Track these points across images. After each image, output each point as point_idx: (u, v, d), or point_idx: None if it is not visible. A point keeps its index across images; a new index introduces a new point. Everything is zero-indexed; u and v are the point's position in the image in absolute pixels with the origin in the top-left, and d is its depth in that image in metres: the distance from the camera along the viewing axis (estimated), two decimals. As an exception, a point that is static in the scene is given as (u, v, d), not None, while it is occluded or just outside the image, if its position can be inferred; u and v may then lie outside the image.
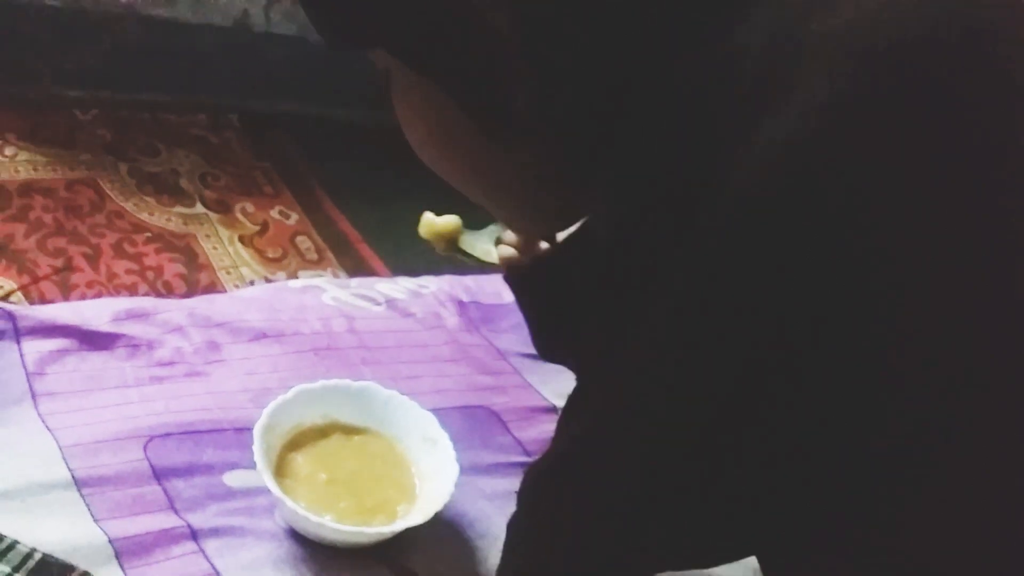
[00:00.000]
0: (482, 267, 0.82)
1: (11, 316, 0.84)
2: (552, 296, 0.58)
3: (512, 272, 0.62)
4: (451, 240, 0.81)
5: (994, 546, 0.43)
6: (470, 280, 1.14)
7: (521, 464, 0.96)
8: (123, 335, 0.87)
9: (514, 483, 0.96)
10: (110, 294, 1.67)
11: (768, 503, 0.44)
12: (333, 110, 2.04)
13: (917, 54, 0.37)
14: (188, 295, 1.76)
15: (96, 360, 0.84)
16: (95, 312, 0.88)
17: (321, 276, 1.74)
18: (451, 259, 0.84)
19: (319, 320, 0.98)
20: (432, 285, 1.10)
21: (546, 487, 0.55)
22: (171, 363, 0.87)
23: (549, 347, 0.68)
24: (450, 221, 0.82)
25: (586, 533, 0.50)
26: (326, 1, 0.50)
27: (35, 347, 0.83)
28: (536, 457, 0.64)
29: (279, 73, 1.96)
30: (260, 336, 0.93)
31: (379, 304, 1.04)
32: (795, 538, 0.47)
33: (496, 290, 1.14)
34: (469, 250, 0.81)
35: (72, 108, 1.90)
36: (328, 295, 1.02)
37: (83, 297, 1.64)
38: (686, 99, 0.42)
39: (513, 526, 0.57)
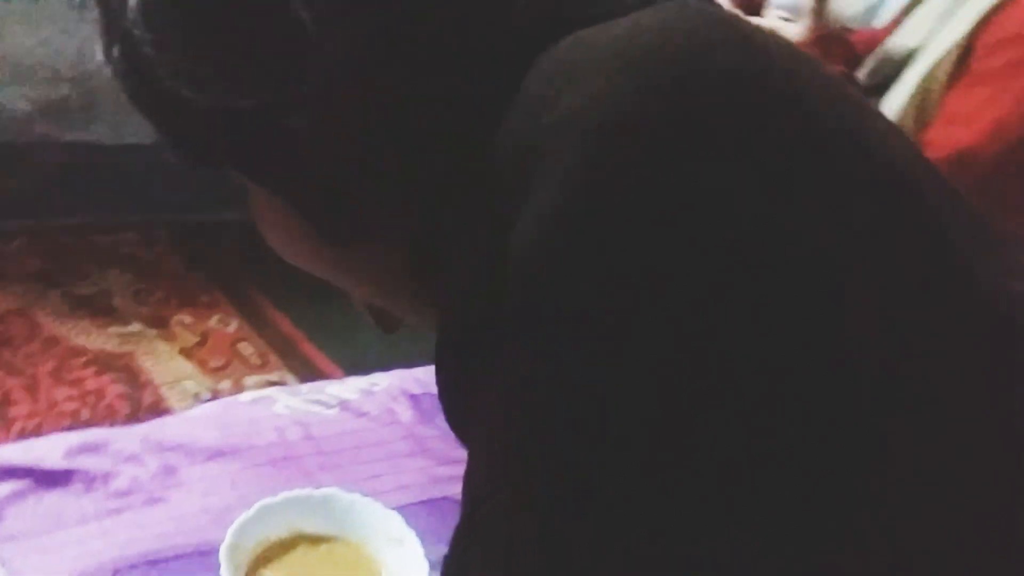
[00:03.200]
0: None
1: (-38, 464, 0.83)
2: (443, 378, 0.61)
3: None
4: None
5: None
6: (420, 371, 1.15)
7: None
8: (77, 470, 0.86)
9: (485, 572, 0.97)
10: (51, 423, 1.65)
11: (671, 524, 0.46)
12: (262, 214, 2.06)
13: (624, 124, 0.44)
14: (133, 415, 1.74)
15: (53, 498, 0.83)
16: (46, 449, 0.88)
17: (272, 387, 1.74)
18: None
19: (273, 431, 0.98)
20: (383, 381, 1.11)
21: (459, 570, 0.56)
22: (128, 493, 0.86)
23: (454, 422, 0.70)
24: None
25: None
26: (166, 128, 0.55)
27: (-11, 492, 0.82)
28: None
29: (204, 183, 1.97)
30: (216, 455, 0.93)
31: (332, 407, 1.04)
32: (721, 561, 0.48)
33: (446, 379, 1.15)
34: None
35: (-3, 239, 1.90)
36: (280, 404, 1.02)
37: (24, 429, 1.61)
38: (468, 194, 0.48)
39: None
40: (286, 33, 0.48)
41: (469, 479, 0.54)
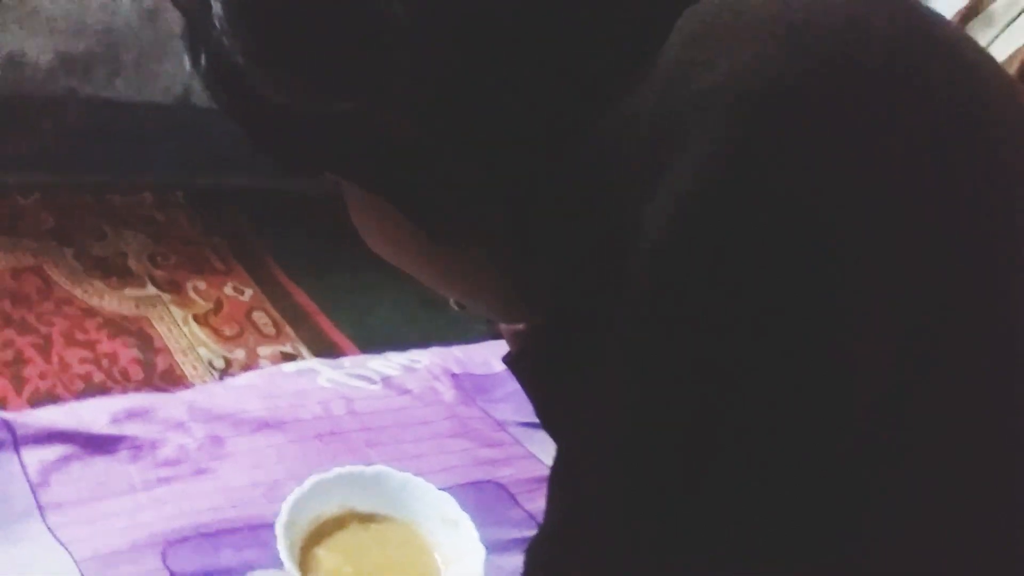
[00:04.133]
0: None
1: (8, 425, 0.80)
2: (541, 373, 0.59)
3: (509, 356, 0.64)
4: None
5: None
6: (458, 351, 1.13)
7: (535, 538, 0.95)
8: (125, 436, 0.84)
9: (531, 558, 0.95)
10: (65, 385, 1.62)
11: (761, 534, 0.45)
12: (281, 182, 2.03)
13: (786, 98, 0.41)
14: (147, 381, 1.71)
15: (100, 465, 0.81)
16: (93, 414, 0.85)
17: (289, 359, 1.71)
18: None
19: (319, 404, 0.96)
20: (424, 359, 1.09)
21: (550, 564, 0.54)
22: (176, 462, 0.84)
23: (549, 423, 0.68)
24: None
25: None
26: (260, 136, 0.53)
27: (36, 456, 0.79)
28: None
29: (224, 148, 1.93)
30: (262, 426, 0.91)
31: (375, 383, 1.02)
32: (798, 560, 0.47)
33: (485, 359, 1.13)
34: None
35: (13, 194, 1.85)
36: (323, 377, 1.00)
37: (37, 390, 1.58)
38: (595, 174, 0.46)
39: None
40: (379, 28, 0.45)
41: (565, 471, 0.52)
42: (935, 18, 0.48)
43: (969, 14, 1.24)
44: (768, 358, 0.41)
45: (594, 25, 0.47)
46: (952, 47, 0.47)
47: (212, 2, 0.47)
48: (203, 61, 0.51)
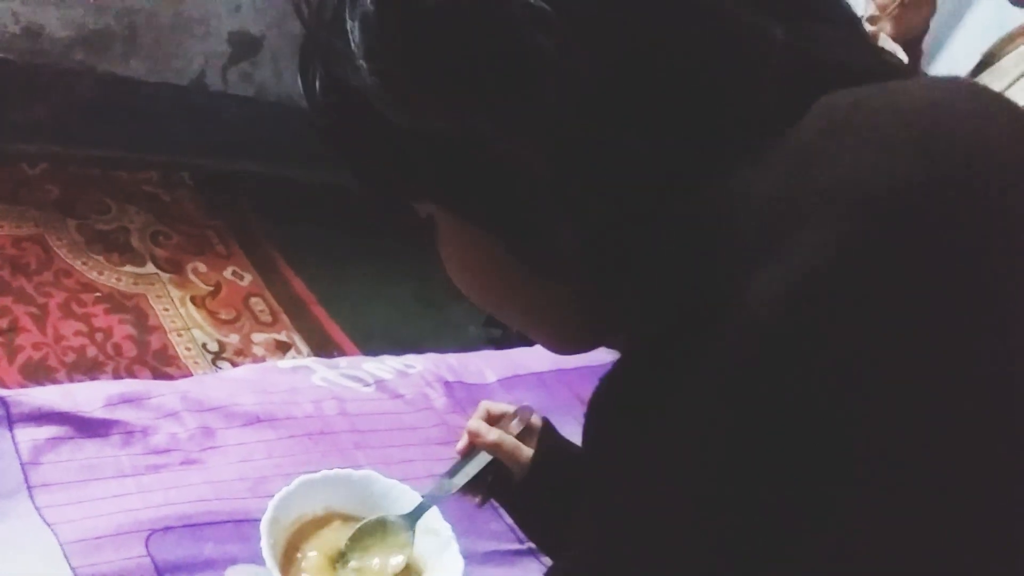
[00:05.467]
0: None
1: (4, 402, 0.81)
2: (607, 407, 0.60)
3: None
4: None
5: None
6: (453, 359, 1.14)
7: (514, 552, 0.96)
8: (117, 421, 0.84)
9: (509, 571, 0.96)
10: (57, 356, 1.62)
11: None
12: (287, 170, 2.03)
13: (913, 199, 0.42)
14: (139, 358, 1.72)
15: (91, 448, 0.81)
16: (88, 397, 0.86)
17: (286, 350, 1.72)
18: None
19: (311, 403, 0.97)
20: (418, 365, 1.10)
21: None
22: (167, 450, 0.85)
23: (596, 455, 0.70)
24: None
25: None
26: (367, 161, 0.53)
27: (28, 435, 0.80)
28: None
29: (233, 132, 1.94)
30: (254, 420, 0.91)
31: (368, 385, 1.03)
32: None
33: (479, 369, 1.14)
34: None
35: (20, 162, 1.85)
36: (318, 376, 1.01)
37: (29, 359, 1.59)
38: (703, 235, 0.47)
39: None
40: (526, 57, 0.46)
41: (610, 505, 0.53)
42: None
43: (980, 67, 1.25)
44: (845, 446, 0.42)
45: (732, 96, 0.48)
46: None
47: (349, 27, 0.48)
48: (317, 83, 0.51)
